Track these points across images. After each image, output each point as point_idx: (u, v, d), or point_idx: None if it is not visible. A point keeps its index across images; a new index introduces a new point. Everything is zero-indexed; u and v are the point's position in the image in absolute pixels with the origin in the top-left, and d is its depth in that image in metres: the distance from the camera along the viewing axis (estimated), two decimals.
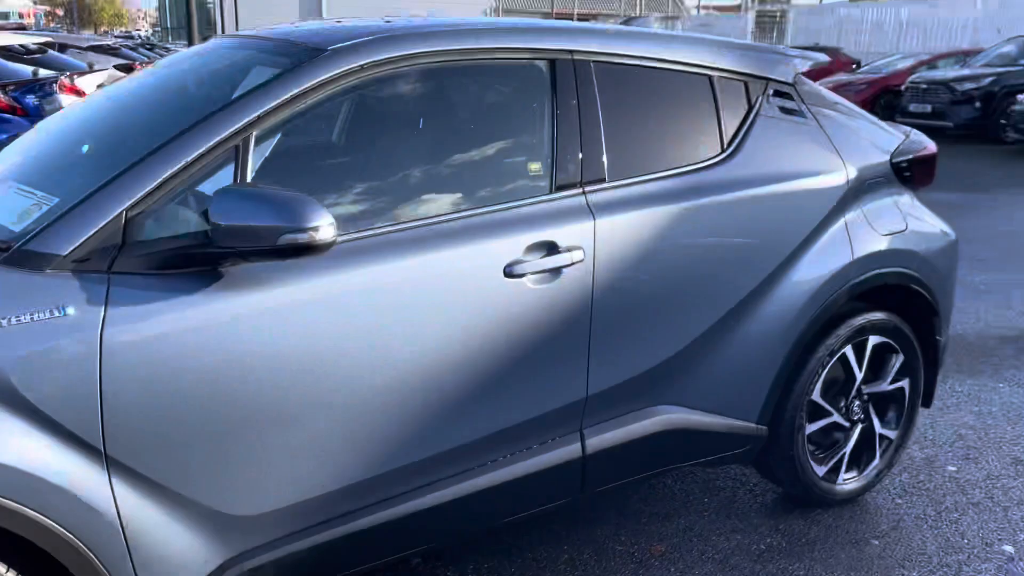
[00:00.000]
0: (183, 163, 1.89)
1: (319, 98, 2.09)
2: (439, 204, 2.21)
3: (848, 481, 3.11)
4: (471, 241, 2.17)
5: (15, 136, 4.43)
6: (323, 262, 1.96)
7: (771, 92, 2.85)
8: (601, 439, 2.48)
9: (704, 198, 2.58)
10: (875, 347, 3.04)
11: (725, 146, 2.69)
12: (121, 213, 1.81)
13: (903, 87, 15.46)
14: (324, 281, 1.98)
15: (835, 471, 3.07)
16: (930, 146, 3.22)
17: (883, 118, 3.58)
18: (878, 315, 3.00)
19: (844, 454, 3.07)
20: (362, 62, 2.13)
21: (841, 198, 2.87)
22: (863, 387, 3.07)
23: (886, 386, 3.12)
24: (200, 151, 1.91)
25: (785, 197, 2.76)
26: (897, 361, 3.12)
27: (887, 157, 3.04)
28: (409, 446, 2.15)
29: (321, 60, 2.11)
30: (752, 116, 2.77)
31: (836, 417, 3.01)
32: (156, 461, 1.83)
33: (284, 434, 1.97)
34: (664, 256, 2.49)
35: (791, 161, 2.80)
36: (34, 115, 6.67)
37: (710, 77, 2.73)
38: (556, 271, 2.27)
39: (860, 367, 3.02)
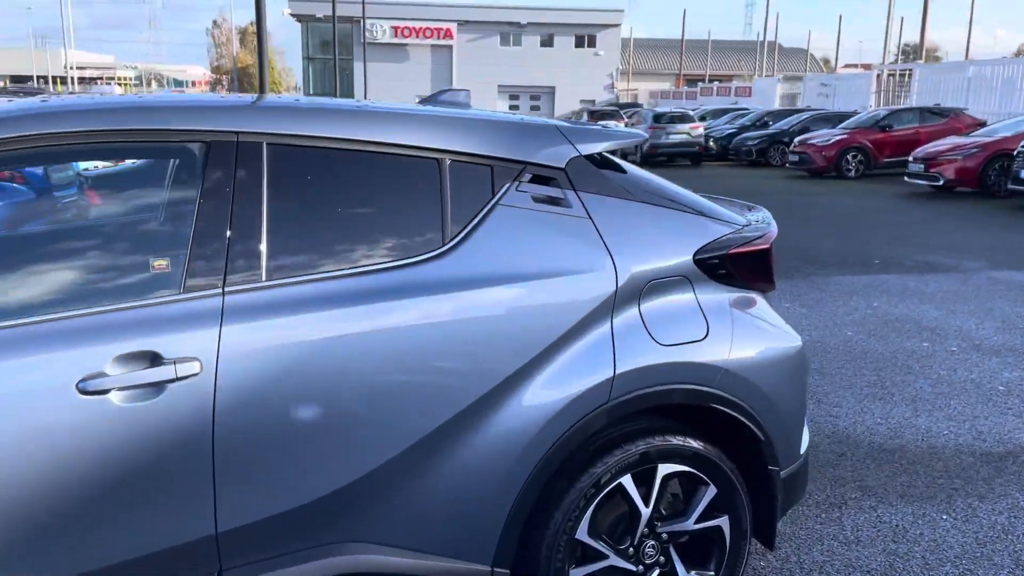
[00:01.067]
0: None
1: None
2: (26, 304, 1.97)
3: None
4: (40, 351, 1.91)
5: None
6: None
7: (527, 178, 2.46)
8: None
9: (401, 299, 2.21)
10: (670, 477, 2.55)
11: (446, 240, 2.33)
12: None
13: (1015, 151, 14.15)
14: None
15: None
16: (761, 240, 2.73)
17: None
18: (672, 440, 2.51)
19: None
20: None
21: (604, 302, 2.43)
22: (657, 524, 2.56)
23: (691, 524, 2.59)
24: None
25: (520, 300, 2.35)
26: (707, 495, 2.60)
27: (690, 253, 2.58)
28: None
29: None
30: (489, 206, 2.40)
31: (615, 560, 2.52)
32: None
33: None
34: (335, 368, 2.14)
35: (536, 259, 2.39)
36: None
37: (438, 160, 2.38)
38: (157, 386, 1.97)
39: (647, 501, 2.52)
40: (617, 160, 2.76)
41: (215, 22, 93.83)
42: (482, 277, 2.30)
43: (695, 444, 2.54)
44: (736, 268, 2.64)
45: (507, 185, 2.42)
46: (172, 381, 1.97)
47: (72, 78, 68.21)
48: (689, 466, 2.54)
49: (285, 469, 2.12)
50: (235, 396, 2.03)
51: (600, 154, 2.65)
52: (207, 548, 2.08)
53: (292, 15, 51.77)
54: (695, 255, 2.56)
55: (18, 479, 1.88)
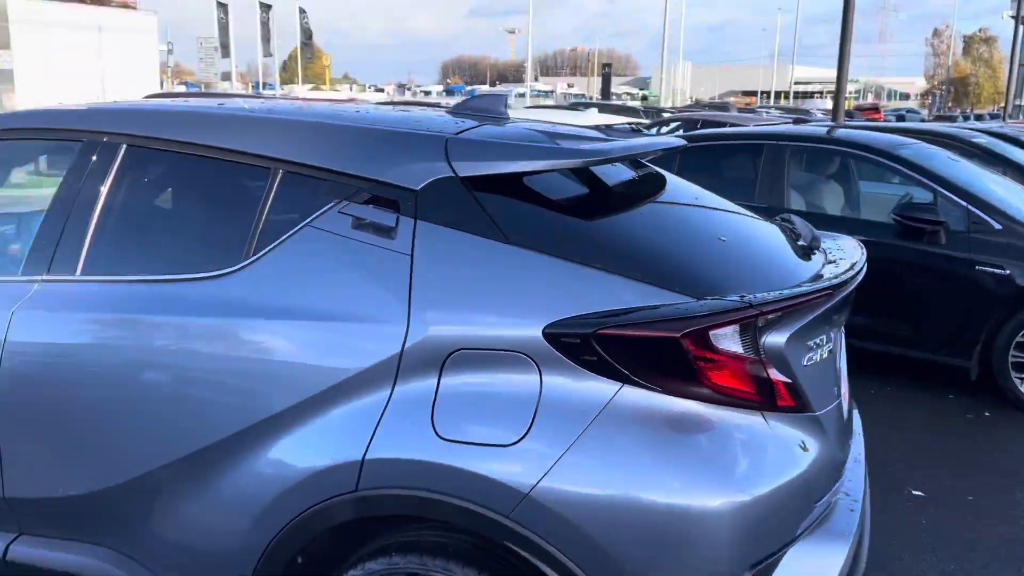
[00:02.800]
0: None
1: None
2: None
3: None
4: None
5: None
6: None
7: (361, 198, 2.01)
8: (22, 549, 2.27)
9: (167, 316, 2.07)
10: None
11: (246, 256, 2.07)
12: None
13: None
14: None
15: None
16: (676, 323, 1.74)
17: None
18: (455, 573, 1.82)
19: None
20: None
21: (384, 363, 1.86)
22: None
23: None
24: None
25: (289, 338, 1.96)
26: None
27: (538, 326, 1.79)
28: None
29: None
30: (300, 226, 2.03)
31: None
32: None
33: None
34: (94, 369, 2.12)
35: (324, 295, 1.95)
36: None
37: (271, 169, 2.11)
38: None
39: None
40: (527, 185, 2.04)
41: (936, 31, 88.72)
42: (259, 304, 2.00)
43: None
44: (614, 355, 1.75)
45: (330, 204, 2.03)
46: None
47: (791, 93, 71.99)
48: None
49: (44, 456, 2.20)
50: (9, 374, 2.19)
51: (515, 174, 2.00)
52: (3, 505, 2.28)
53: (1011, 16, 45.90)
54: (546, 327, 1.78)
55: None
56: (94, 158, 2.29)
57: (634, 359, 1.76)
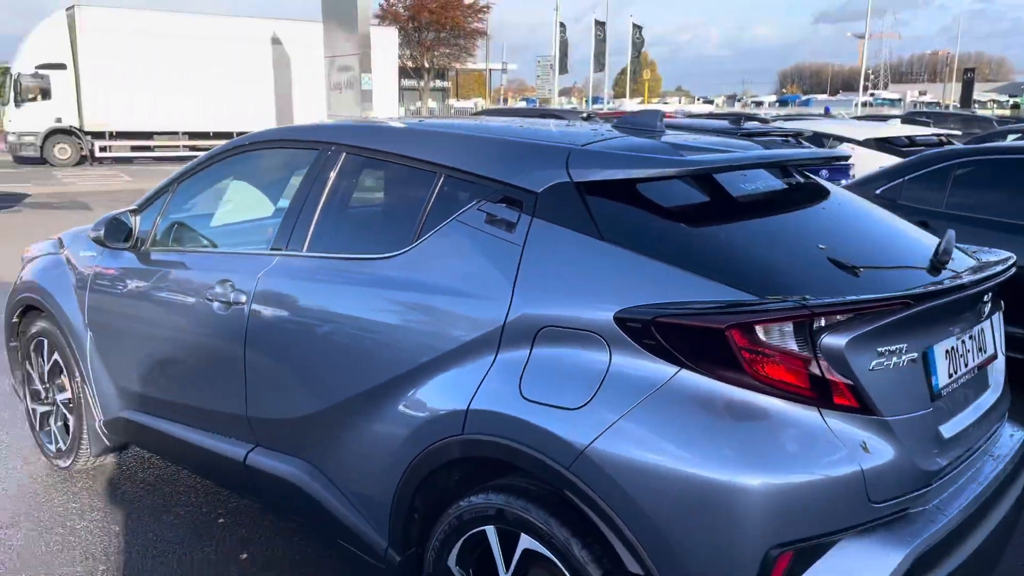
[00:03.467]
0: None
1: None
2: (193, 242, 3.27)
3: None
4: (193, 272, 3.16)
5: None
6: None
7: (495, 198, 2.42)
8: (257, 458, 2.96)
9: (358, 286, 2.64)
10: (536, 557, 2.18)
11: (411, 242, 2.57)
12: None
13: None
14: None
15: None
16: (720, 317, 1.93)
17: None
18: (532, 513, 2.16)
19: None
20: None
21: (487, 336, 2.26)
22: None
23: None
24: None
25: (427, 311, 2.43)
26: None
27: (611, 311, 2.08)
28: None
29: None
30: (449, 220, 2.49)
31: None
32: None
33: None
34: (309, 323, 2.75)
35: (455, 277, 2.40)
36: None
37: (436, 174, 2.60)
38: (226, 304, 2.97)
39: (507, 564, 2.24)
40: (645, 195, 2.31)
41: None
42: (411, 282, 2.50)
43: (559, 533, 2.11)
44: (670, 342, 2.00)
45: (473, 202, 2.47)
46: (232, 303, 2.96)
47: None
48: (555, 556, 2.13)
49: (278, 384, 2.86)
50: (257, 320, 2.89)
51: (618, 181, 2.31)
52: (243, 424, 3.01)
53: None
54: (617, 313, 2.08)
55: (174, 345, 3.20)
56: (324, 162, 2.95)
57: (688, 346, 1.98)
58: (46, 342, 3.92)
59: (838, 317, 1.96)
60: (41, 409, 4.10)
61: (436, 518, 2.43)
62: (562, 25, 44.20)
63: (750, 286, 2.01)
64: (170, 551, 3.33)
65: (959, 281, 2.23)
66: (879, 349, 2.02)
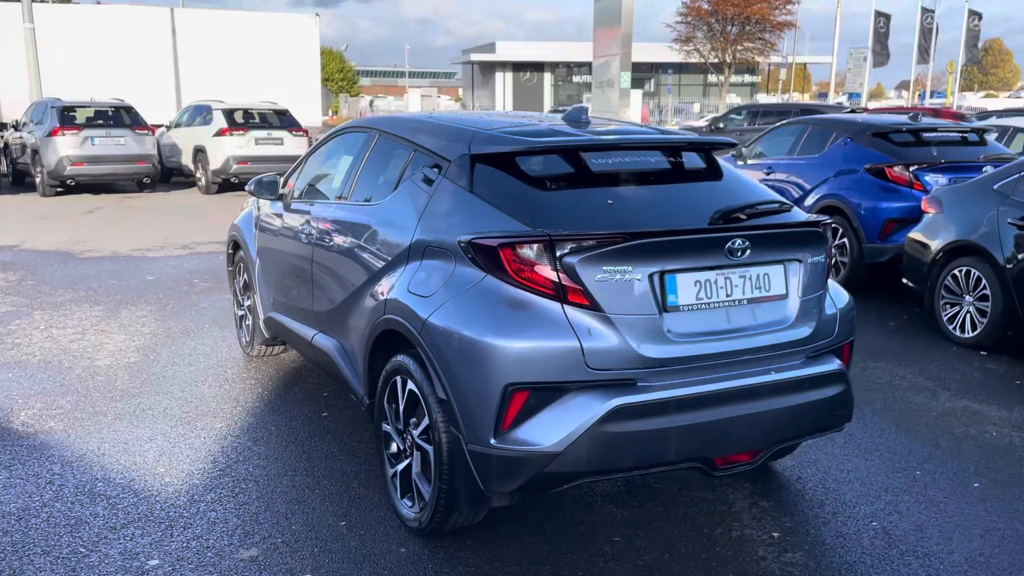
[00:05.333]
0: None
1: None
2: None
3: (409, 509, 3.55)
4: (300, 215, 4.68)
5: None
6: None
7: (430, 164, 3.65)
8: (318, 339, 4.43)
9: (360, 224, 4.00)
10: (410, 392, 3.41)
11: (389, 193, 3.87)
12: None
13: None
14: None
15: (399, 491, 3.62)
16: (493, 239, 3.04)
17: None
18: (409, 364, 3.39)
19: (398, 473, 3.57)
20: None
21: (404, 251, 3.52)
22: (410, 422, 3.47)
23: (416, 432, 3.38)
24: None
25: (382, 238, 3.74)
26: (423, 423, 3.32)
27: (456, 238, 3.23)
28: None
29: None
30: (408, 178, 3.75)
31: (394, 435, 3.59)
32: None
33: None
34: (335, 246, 4.18)
35: (398, 216, 3.67)
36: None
37: (412, 149, 3.87)
38: (306, 235, 4.48)
39: (403, 399, 3.48)
40: (516, 163, 3.41)
41: None
42: (380, 218, 3.83)
43: (418, 376, 3.33)
44: (478, 256, 3.14)
45: (420, 167, 3.72)
46: (308, 234, 4.46)
47: None
48: (418, 391, 3.35)
49: (321, 287, 4.31)
50: (315, 248, 4.37)
51: (497, 154, 3.45)
52: (311, 316, 4.50)
53: None
54: (459, 239, 3.25)
55: (287, 265, 4.77)
56: (364, 142, 4.36)
57: (485, 258, 3.10)
58: (242, 266, 5.75)
59: (571, 244, 2.97)
60: (239, 313, 5.98)
61: (378, 377, 3.74)
62: (883, 15, 41.90)
63: (534, 223, 3.08)
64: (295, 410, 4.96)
65: (706, 235, 3.12)
66: (604, 267, 2.98)
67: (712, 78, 53.01)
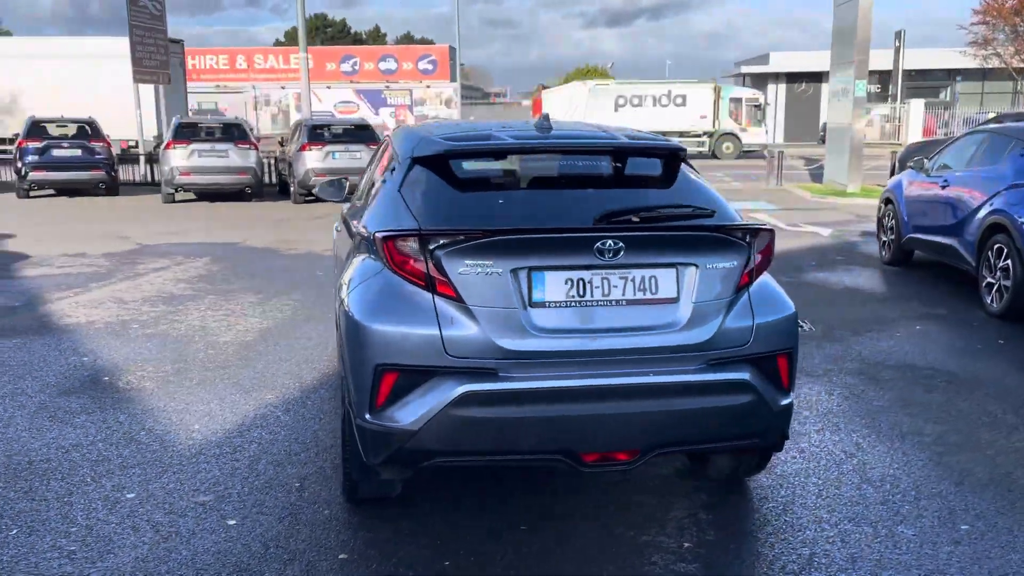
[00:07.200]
0: None
1: None
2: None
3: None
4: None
5: None
6: None
7: (393, 167, 3.99)
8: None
9: (359, 219, 4.41)
10: None
11: (377, 192, 4.25)
12: None
13: None
14: None
15: None
16: (379, 233, 3.37)
17: None
18: None
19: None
20: None
21: (356, 241, 4.00)
22: None
23: None
24: None
25: (356, 230, 4.13)
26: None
27: (374, 232, 3.52)
28: None
29: None
30: (384, 180, 4.11)
31: None
32: None
33: None
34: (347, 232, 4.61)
35: (369, 209, 4.04)
36: None
37: (395, 156, 4.21)
38: (348, 226, 4.98)
39: None
40: (447, 165, 3.67)
41: None
42: (365, 213, 4.21)
43: None
44: (377, 248, 3.45)
45: (395, 168, 4.07)
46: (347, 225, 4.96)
47: None
48: None
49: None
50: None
51: (427, 157, 3.74)
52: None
53: None
54: (375, 232, 3.58)
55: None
56: (382, 148, 4.77)
57: (381, 252, 3.39)
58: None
59: (442, 239, 3.18)
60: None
61: None
62: None
63: (423, 220, 3.33)
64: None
65: (573, 234, 3.18)
66: (466, 261, 3.16)
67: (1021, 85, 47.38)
